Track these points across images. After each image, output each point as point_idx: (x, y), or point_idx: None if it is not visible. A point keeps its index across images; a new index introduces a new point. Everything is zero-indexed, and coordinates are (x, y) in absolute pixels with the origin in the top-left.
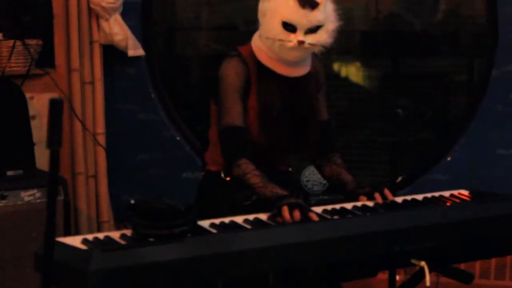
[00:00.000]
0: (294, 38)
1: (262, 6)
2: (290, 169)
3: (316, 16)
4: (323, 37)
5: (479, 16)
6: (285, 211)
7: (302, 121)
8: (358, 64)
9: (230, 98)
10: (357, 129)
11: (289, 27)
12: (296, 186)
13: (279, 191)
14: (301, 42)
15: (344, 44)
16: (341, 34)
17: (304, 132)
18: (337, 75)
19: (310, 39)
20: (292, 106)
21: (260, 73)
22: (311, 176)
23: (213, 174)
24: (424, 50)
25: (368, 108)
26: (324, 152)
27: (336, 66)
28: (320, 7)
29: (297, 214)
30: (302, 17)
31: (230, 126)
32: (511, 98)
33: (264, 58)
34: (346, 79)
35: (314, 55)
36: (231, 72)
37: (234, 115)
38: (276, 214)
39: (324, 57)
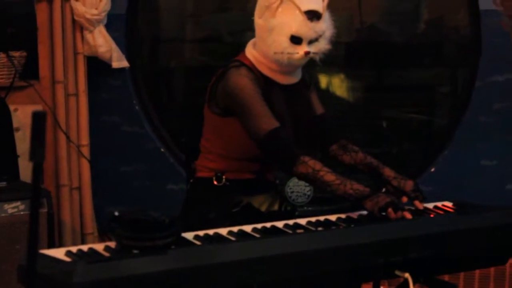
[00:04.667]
0: (300, 50)
1: (266, 23)
2: (277, 181)
3: (321, 27)
4: (322, 46)
5: (463, 27)
6: (391, 213)
7: (306, 125)
8: (341, 75)
9: (258, 104)
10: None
11: (296, 40)
12: (282, 198)
13: (360, 187)
14: (307, 53)
15: (328, 56)
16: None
17: (309, 135)
18: (320, 86)
19: (313, 48)
20: (296, 112)
21: (265, 83)
22: (295, 188)
23: (203, 180)
24: (407, 61)
25: (352, 119)
26: (331, 141)
27: (320, 77)
28: (323, 17)
29: (406, 214)
30: (310, 29)
31: (272, 129)
32: (495, 109)
33: (264, 69)
34: (330, 90)
35: None
36: (247, 79)
37: (271, 117)
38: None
39: (309, 68)
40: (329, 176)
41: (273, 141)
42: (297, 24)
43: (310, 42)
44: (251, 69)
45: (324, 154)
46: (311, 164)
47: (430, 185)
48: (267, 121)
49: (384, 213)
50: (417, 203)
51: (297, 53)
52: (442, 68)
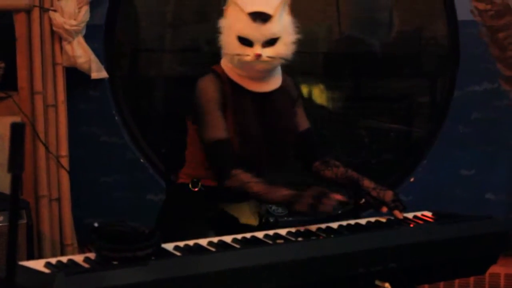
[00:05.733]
0: (251, 52)
1: (220, 24)
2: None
3: (269, 29)
4: (281, 50)
5: (441, 38)
6: (326, 204)
7: (277, 136)
8: (321, 85)
9: (212, 112)
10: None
11: (245, 42)
12: (264, 210)
13: (287, 192)
14: (258, 56)
15: (307, 66)
16: (304, 55)
17: (279, 146)
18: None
19: (267, 52)
20: (266, 122)
21: (233, 90)
22: None
23: (180, 186)
24: (386, 72)
25: (331, 129)
26: (314, 158)
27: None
28: (274, 20)
29: (338, 197)
30: (255, 31)
31: (217, 140)
32: (473, 119)
33: (234, 75)
34: (309, 100)
35: (284, 74)
36: (210, 87)
37: (220, 128)
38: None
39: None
40: (257, 187)
41: (214, 152)
42: (241, 25)
43: (266, 45)
44: (220, 76)
45: (306, 170)
46: (241, 177)
47: (409, 195)
48: (215, 131)
49: (319, 209)
50: (396, 212)
51: (248, 55)
52: (420, 78)
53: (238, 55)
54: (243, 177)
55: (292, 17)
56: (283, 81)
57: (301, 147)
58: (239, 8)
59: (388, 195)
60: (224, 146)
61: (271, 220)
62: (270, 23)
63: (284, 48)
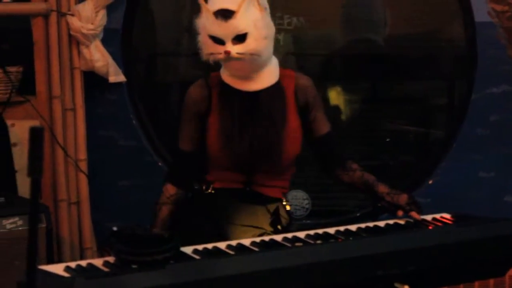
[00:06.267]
0: (222, 50)
1: (196, 24)
2: (284, 202)
3: (234, 25)
4: (251, 46)
5: (458, 39)
6: None
7: (264, 135)
8: (338, 88)
9: (183, 122)
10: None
11: (217, 40)
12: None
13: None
14: (227, 53)
15: (324, 68)
16: (321, 58)
17: (268, 147)
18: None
19: (237, 49)
20: (254, 121)
21: (222, 91)
22: (293, 201)
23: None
24: (404, 74)
25: (348, 132)
26: (334, 163)
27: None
28: (238, 16)
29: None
30: (221, 28)
31: (177, 149)
32: (491, 121)
33: (225, 76)
34: (326, 103)
35: (299, 74)
36: (189, 96)
37: (183, 138)
38: None
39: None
40: (162, 212)
41: (172, 160)
42: (209, 23)
43: (236, 42)
44: (208, 81)
45: (325, 173)
46: (162, 195)
47: (428, 197)
48: (179, 141)
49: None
50: (413, 214)
51: (219, 53)
52: (438, 80)
53: (212, 53)
54: (161, 196)
55: (264, 11)
56: (292, 85)
57: (320, 151)
58: (205, 8)
59: (403, 198)
60: (177, 157)
61: (279, 228)
62: (235, 19)
63: (255, 43)
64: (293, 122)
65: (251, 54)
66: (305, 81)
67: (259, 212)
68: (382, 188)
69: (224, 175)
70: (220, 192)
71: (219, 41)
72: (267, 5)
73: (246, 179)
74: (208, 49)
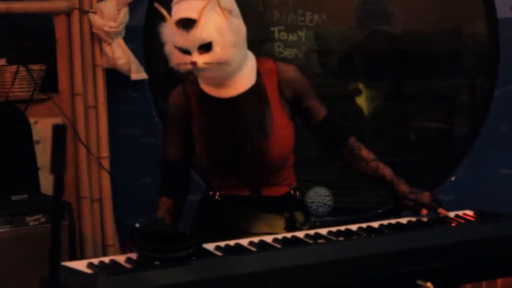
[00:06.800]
0: (188, 60)
1: (160, 33)
2: (297, 193)
3: (196, 35)
4: (217, 55)
5: (481, 36)
6: None
7: (247, 141)
8: (361, 84)
9: (168, 131)
10: None
11: (183, 50)
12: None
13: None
14: (193, 63)
15: (346, 65)
16: (343, 54)
17: (254, 152)
18: (340, 96)
19: (204, 58)
20: (236, 128)
21: (200, 99)
22: (315, 198)
23: (205, 193)
24: (426, 71)
25: (371, 129)
26: (337, 144)
27: (339, 87)
28: (200, 24)
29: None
30: (182, 39)
31: (165, 161)
32: None
33: (201, 82)
34: (349, 100)
35: (282, 66)
36: (171, 103)
37: (168, 148)
38: None
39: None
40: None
41: (161, 172)
42: (172, 34)
43: (202, 52)
44: (186, 88)
45: (329, 152)
46: (158, 209)
47: (450, 194)
48: (165, 151)
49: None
50: (441, 210)
51: (187, 63)
52: (461, 77)
53: (179, 64)
54: (158, 211)
55: (229, 15)
56: (275, 79)
57: (322, 135)
58: (167, 17)
59: (426, 196)
60: (165, 169)
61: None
62: (197, 29)
63: (221, 52)
64: (279, 120)
65: (219, 63)
66: (288, 73)
67: (272, 218)
68: (403, 187)
69: (226, 181)
70: (227, 199)
71: (186, 51)
72: (233, 7)
73: (249, 183)
74: (176, 59)
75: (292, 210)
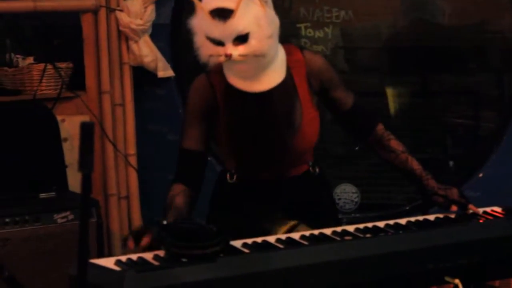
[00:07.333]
0: (222, 52)
1: (191, 24)
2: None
3: (233, 26)
4: (254, 47)
5: (507, 31)
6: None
7: (275, 138)
8: (387, 80)
9: (187, 120)
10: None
11: (216, 41)
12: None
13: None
14: (228, 56)
15: (372, 61)
16: (369, 51)
17: (279, 148)
18: (366, 92)
19: (239, 50)
20: (261, 123)
21: (227, 92)
22: (343, 195)
23: (220, 174)
24: (453, 66)
25: (398, 125)
26: (364, 133)
27: (365, 83)
28: (237, 15)
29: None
30: (218, 29)
31: (182, 149)
32: None
33: (228, 75)
34: (375, 96)
35: (309, 56)
36: (193, 92)
37: (188, 137)
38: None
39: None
40: (178, 200)
41: (177, 159)
42: (206, 24)
43: (237, 43)
44: (211, 78)
45: (360, 142)
46: (171, 189)
47: (478, 191)
48: (184, 140)
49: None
50: (472, 206)
51: (220, 55)
52: (488, 72)
53: (211, 56)
54: (171, 193)
55: (266, 6)
56: (303, 69)
57: (349, 123)
58: (200, 7)
59: (455, 192)
60: (184, 157)
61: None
62: (234, 19)
63: (258, 44)
64: (308, 114)
65: (255, 56)
66: (316, 63)
67: (291, 203)
68: (432, 183)
69: (246, 168)
70: (245, 183)
71: (219, 42)
72: None
73: (270, 170)
74: (207, 51)
75: (312, 189)
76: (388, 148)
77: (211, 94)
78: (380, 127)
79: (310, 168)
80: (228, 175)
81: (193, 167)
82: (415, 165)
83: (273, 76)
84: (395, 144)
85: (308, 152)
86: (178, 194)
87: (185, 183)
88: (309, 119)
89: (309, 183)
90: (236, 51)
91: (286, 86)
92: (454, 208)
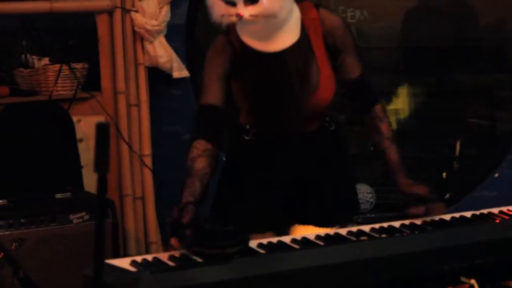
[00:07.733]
0: (233, 12)
1: None
2: (326, 119)
3: None
4: (264, 7)
5: None
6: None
7: (293, 97)
8: (402, 80)
9: (208, 77)
10: (402, 146)
11: (227, 1)
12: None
13: (185, 197)
14: (239, 16)
15: (388, 61)
16: (384, 51)
17: (294, 107)
18: (381, 92)
19: (250, 10)
20: (279, 82)
21: (243, 51)
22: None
23: (236, 129)
24: (469, 66)
25: (414, 125)
26: (362, 108)
27: (380, 83)
28: None
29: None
30: None
31: (203, 105)
32: None
33: (243, 35)
34: (391, 96)
35: (325, 14)
36: (212, 50)
37: (211, 93)
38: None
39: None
40: (198, 164)
41: (196, 116)
42: None
43: (248, 3)
44: (231, 38)
45: (359, 115)
46: (191, 151)
47: (493, 191)
48: (205, 96)
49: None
50: (415, 210)
51: (231, 15)
52: (504, 72)
53: (223, 15)
54: (190, 153)
55: None
56: (312, 24)
57: (350, 94)
58: None
59: (422, 188)
60: (206, 112)
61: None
62: None
63: (269, 4)
64: (325, 72)
65: (266, 16)
66: (332, 22)
67: (307, 157)
68: (402, 179)
69: (262, 125)
70: (262, 140)
71: (231, 2)
72: None
73: (286, 127)
74: (219, 10)
75: (326, 143)
76: (377, 129)
77: (231, 52)
78: (379, 107)
79: (326, 124)
80: (244, 131)
81: (214, 121)
82: (392, 155)
83: (287, 36)
84: (385, 128)
85: (324, 109)
86: (198, 157)
87: (206, 138)
88: (326, 77)
89: (323, 138)
90: (247, 11)
91: (301, 46)
92: (414, 210)
